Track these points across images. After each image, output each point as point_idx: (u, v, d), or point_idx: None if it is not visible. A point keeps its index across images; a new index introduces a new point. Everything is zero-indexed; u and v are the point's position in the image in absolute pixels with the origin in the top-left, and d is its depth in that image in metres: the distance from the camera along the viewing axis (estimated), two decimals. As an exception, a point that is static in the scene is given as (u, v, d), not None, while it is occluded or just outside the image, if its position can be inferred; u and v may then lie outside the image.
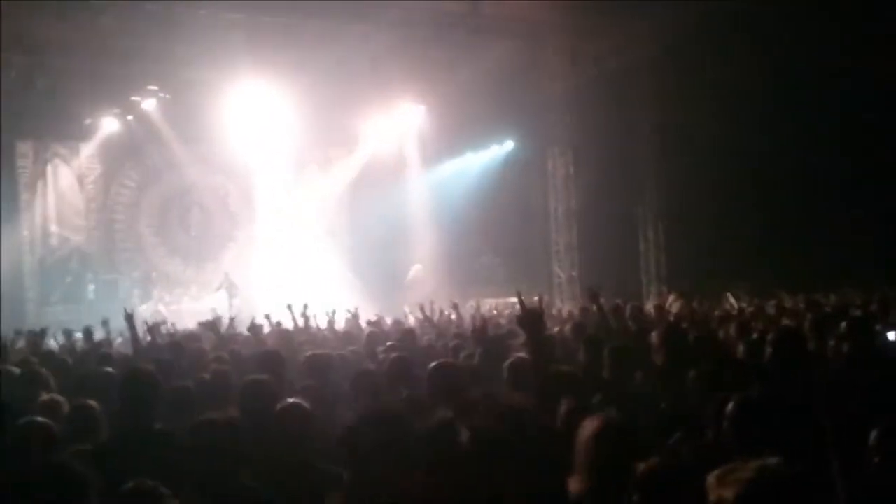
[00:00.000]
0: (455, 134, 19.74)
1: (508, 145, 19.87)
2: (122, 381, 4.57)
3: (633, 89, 16.88)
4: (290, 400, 3.88)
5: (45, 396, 4.98)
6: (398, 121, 19.40)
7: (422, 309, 10.36)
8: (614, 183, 17.31)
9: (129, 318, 7.28)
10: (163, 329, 8.86)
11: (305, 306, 9.66)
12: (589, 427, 2.84)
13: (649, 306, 11.93)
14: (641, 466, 2.55)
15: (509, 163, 19.80)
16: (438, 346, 7.47)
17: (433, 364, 4.47)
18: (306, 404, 3.81)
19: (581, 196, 18.36)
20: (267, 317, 10.11)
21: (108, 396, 4.78)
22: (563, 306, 16.57)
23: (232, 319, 10.48)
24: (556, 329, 8.66)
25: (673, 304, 12.35)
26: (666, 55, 15.64)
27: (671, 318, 9.64)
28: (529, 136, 19.41)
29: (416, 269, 19.83)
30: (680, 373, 4.53)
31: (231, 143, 19.09)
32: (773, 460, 1.98)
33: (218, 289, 18.98)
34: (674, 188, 16.54)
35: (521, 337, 7.17)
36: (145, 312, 16.19)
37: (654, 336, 5.07)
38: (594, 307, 7.13)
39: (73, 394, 5.04)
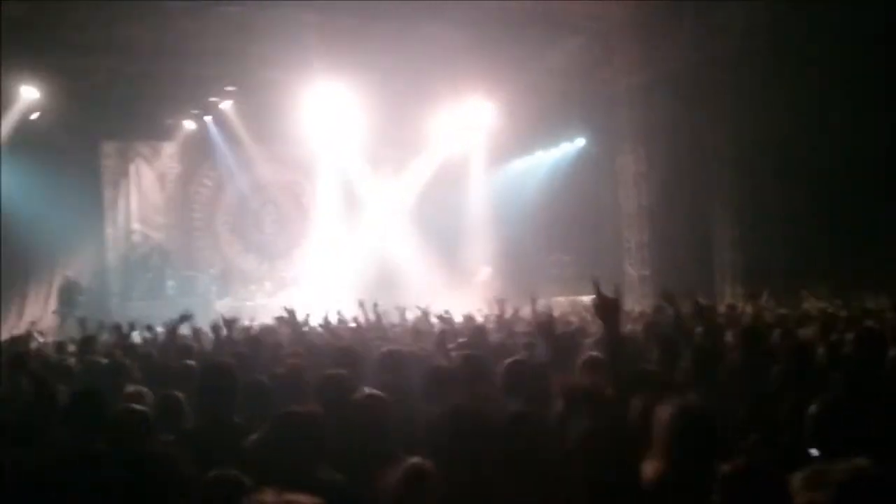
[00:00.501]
0: (525, 132, 19.69)
1: (579, 142, 19.72)
2: (202, 374, 4.73)
3: (707, 85, 16.53)
4: (368, 391, 3.93)
5: (130, 387, 5.17)
6: (468, 119, 19.43)
7: (492, 306, 10.38)
8: (687, 180, 16.99)
9: (212, 315, 7.53)
10: (240, 324, 9.07)
11: (376, 304, 9.80)
12: (667, 409, 2.81)
13: (724, 306, 11.68)
14: (724, 467, 2.51)
15: (580, 160, 19.65)
16: (509, 343, 7.48)
17: (508, 361, 4.49)
18: (385, 395, 3.87)
19: (653, 193, 18.07)
20: (339, 313, 10.28)
21: (189, 388, 4.96)
22: (635, 305, 16.36)
23: (306, 315, 10.67)
24: (627, 328, 8.58)
25: (749, 304, 12.08)
26: (741, 50, 15.27)
27: (748, 318, 9.43)
28: (600, 133, 19.22)
29: (485, 272, 19.84)
30: (757, 374, 4.46)
31: (305, 143, 19.49)
32: (863, 462, 1.93)
33: (290, 286, 19.39)
34: (749, 186, 16.13)
35: (593, 335, 7.16)
36: (222, 308, 16.65)
37: (730, 336, 5.00)
38: (670, 307, 7.02)
39: (156, 385, 5.22)
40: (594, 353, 4.73)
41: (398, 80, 16.88)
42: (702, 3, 15.40)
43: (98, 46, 14.72)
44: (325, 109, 18.00)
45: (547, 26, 15.81)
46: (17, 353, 7.38)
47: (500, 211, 20.04)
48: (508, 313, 10.40)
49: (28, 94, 16.04)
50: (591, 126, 19.18)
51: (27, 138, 16.69)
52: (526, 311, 10.70)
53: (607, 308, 3.63)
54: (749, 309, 11.17)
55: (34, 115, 16.46)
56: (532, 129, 19.59)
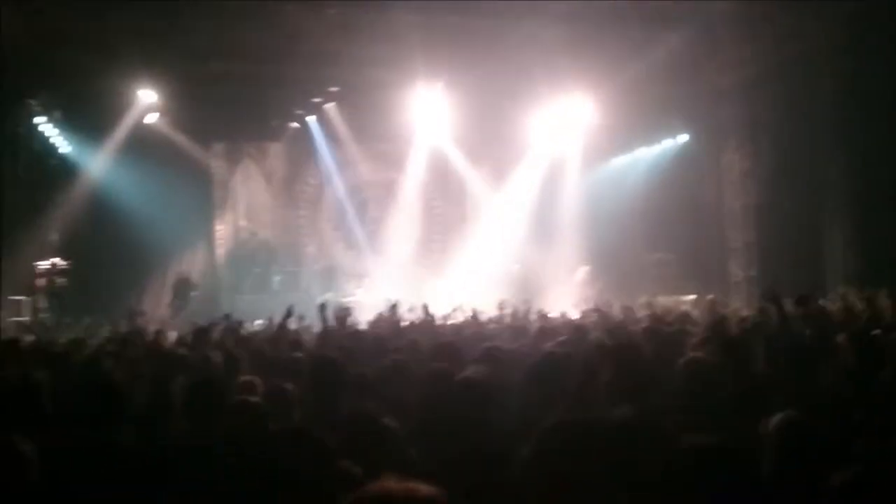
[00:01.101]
0: (625, 129, 19.39)
1: (682, 139, 19.26)
2: (312, 367, 4.91)
3: (817, 77, 15.86)
4: (469, 374, 3.99)
5: (242, 378, 5.40)
6: (567, 117, 19.28)
7: (592, 304, 10.33)
8: (796, 177, 16.34)
9: (322, 309, 7.82)
10: (351, 318, 9.30)
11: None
12: (773, 422, 2.77)
13: (835, 307, 11.21)
14: (836, 476, 2.43)
15: (683, 157, 19.19)
16: (609, 342, 7.42)
17: (613, 361, 4.46)
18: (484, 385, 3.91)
19: (760, 191, 17.49)
20: (438, 308, 10.43)
21: (297, 380, 5.15)
22: (741, 307, 15.90)
23: (407, 310, 10.86)
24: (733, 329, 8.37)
25: (860, 304, 11.54)
26: (853, 39, 14.58)
27: (860, 319, 9.04)
28: (704, 129, 18.73)
29: (583, 271, 19.66)
30: (869, 376, 4.30)
31: (405, 142, 19.83)
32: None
33: (388, 282, 19.71)
34: (862, 181, 15.38)
35: (695, 335, 7.02)
36: (325, 303, 17.10)
37: (841, 338, 4.83)
38: (774, 308, 6.82)
39: (267, 376, 5.43)
40: (696, 355, 4.65)
41: (498, 79, 16.92)
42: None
43: (208, 51, 15.35)
44: (425, 109, 18.25)
45: (649, 22, 15.51)
46: (144, 345, 7.80)
47: (600, 209, 19.79)
48: (610, 312, 10.31)
49: (145, 97, 16.90)
50: (695, 122, 18.71)
51: (144, 140, 17.61)
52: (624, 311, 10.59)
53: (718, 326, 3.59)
54: (864, 309, 10.70)
55: (151, 118, 17.32)
56: (633, 126, 19.27)
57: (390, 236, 21.54)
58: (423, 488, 1.50)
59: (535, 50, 15.83)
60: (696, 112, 18.40)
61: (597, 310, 10.44)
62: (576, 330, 8.16)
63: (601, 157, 20.41)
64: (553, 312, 11.96)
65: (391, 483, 1.49)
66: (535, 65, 16.41)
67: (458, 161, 21.21)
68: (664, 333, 7.11)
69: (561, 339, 7.19)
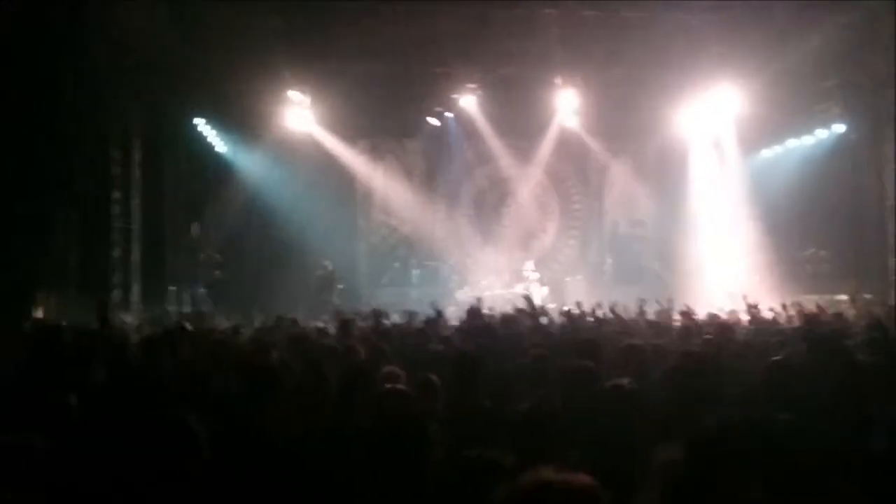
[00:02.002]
0: (776, 118, 18.52)
1: (838, 129, 18.15)
2: (455, 360, 5.01)
3: None
4: (615, 381, 3.97)
5: (386, 368, 5.57)
6: (714, 107, 18.62)
7: (744, 302, 9.99)
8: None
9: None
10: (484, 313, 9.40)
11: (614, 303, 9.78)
12: None
13: None
14: None
15: (838, 148, 18.08)
16: (758, 342, 7.15)
17: (768, 362, 4.31)
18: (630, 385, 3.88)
19: (925, 183, 16.25)
20: (578, 304, 10.35)
21: (439, 372, 5.27)
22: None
23: (543, 307, 10.86)
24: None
25: None
26: None
27: None
28: (862, 117, 17.55)
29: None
30: None
31: (544, 137, 19.78)
32: None
33: (527, 278, 19.74)
34: None
35: (854, 336, 6.66)
36: (462, 297, 17.35)
37: None
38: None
39: (408, 368, 5.58)
40: (857, 357, 4.42)
41: (641, 70, 16.54)
42: None
43: (352, 51, 15.84)
44: (564, 102, 18.12)
45: (804, 8, 14.71)
46: (295, 335, 8.18)
47: (752, 203, 19.01)
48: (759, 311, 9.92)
49: (294, 98, 17.65)
50: (853, 111, 17.58)
51: (292, 139, 18.42)
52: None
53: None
54: None
55: (300, 117, 18.07)
56: (785, 116, 18.39)
57: (528, 232, 21.58)
58: (582, 478, 1.52)
59: (682, 39, 15.37)
60: (856, 100, 17.30)
61: (745, 308, 10.04)
62: (721, 329, 7.92)
63: (752, 149, 19.60)
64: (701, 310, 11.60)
65: (549, 473, 1.52)
66: (682, 54, 15.94)
67: (599, 154, 21.01)
68: (818, 335, 6.78)
69: (706, 337, 7.01)
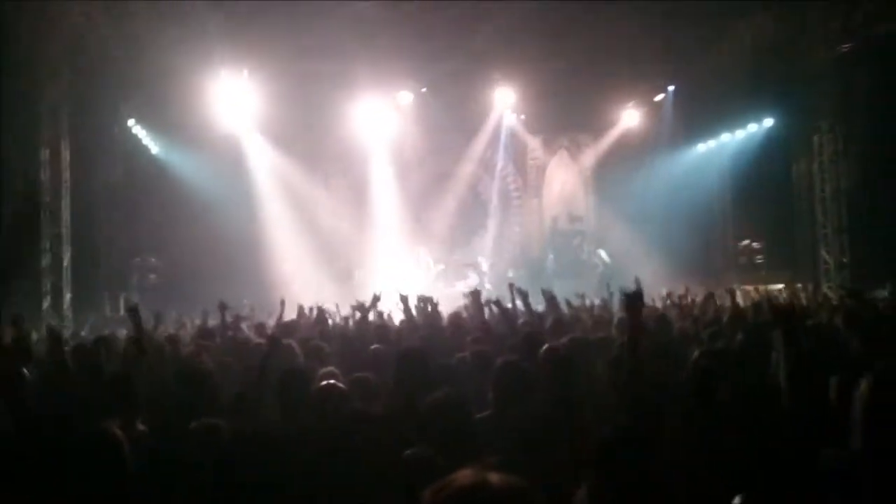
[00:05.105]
0: (709, 113, 18.93)
1: (768, 123, 18.62)
2: (397, 358, 4.96)
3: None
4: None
5: (324, 369, 5.48)
6: (647, 102, 18.94)
7: (671, 295, 10.13)
8: (891, 159, 15.60)
9: (405, 300, 7.89)
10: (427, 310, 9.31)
11: (545, 290, 9.76)
12: (864, 384, 2.67)
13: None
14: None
15: (769, 141, 18.56)
16: (691, 332, 7.27)
17: (697, 353, 4.37)
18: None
19: (852, 175, 16.77)
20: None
21: (380, 371, 5.21)
22: (832, 293, 15.32)
23: (490, 301, 10.81)
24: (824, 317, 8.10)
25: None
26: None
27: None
28: (792, 112, 18.04)
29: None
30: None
31: (483, 133, 19.93)
32: None
33: (469, 274, 19.79)
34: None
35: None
36: (405, 295, 17.25)
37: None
38: (860, 296, 6.54)
39: (350, 368, 5.51)
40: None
41: (578, 65, 16.70)
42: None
43: (293, 49, 15.69)
44: (503, 98, 18.17)
45: (736, 3, 15.04)
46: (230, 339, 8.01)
47: (683, 196, 19.37)
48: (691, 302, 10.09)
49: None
50: (783, 105, 18.05)
51: (228, 140, 18.13)
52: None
53: (784, 318, 3.55)
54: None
55: (237, 118, 17.79)
56: (717, 110, 18.80)
57: (466, 226, 21.63)
58: (496, 479, 1.48)
59: (619, 35, 15.54)
60: (786, 94, 17.76)
61: (675, 301, 10.20)
62: (659, 321, 8.01)
63: (686, 143, 19.96)
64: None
65: (468, 474, 1.48)
66: (620, 49, 16.13)
67: (537, 151, 21.24)
68: (753, 323, 6.92)
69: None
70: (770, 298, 7.77)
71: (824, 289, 16.26)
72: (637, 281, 8.21)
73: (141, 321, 5.52)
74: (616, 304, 10.58)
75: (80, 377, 5.64)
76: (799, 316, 3.73)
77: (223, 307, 8.02)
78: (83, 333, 10.70)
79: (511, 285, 9.12)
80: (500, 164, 21.68)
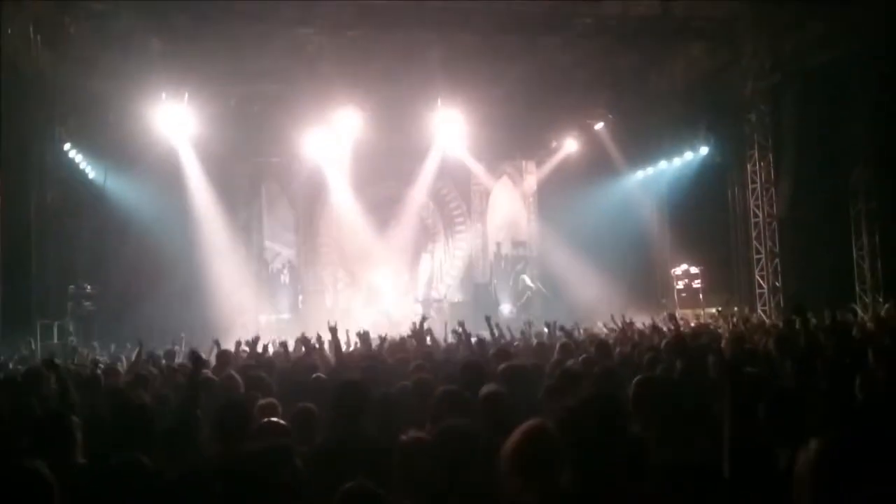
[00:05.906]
0: (646, 141, 19.36)
1: (703, 151, 19.13)
2: (335, 389, 4.90)
3: (841, 85, 15.69)
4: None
5: (263, 400, 5.40)
6: (586, 130, 19.29)
7: (615, 320, 10.28)
8: (821, 185, 16.14)
9: (333, 331, 7.78)
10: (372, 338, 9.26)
11: (488, 318, 9.84)
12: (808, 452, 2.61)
13: (869, 320, 11.07)
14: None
15: (705, 169, 19.04)
16: (634, 358, 7.38)
17: (637, 378, 4.43)
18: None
19: (784, 201, 17.31)
20: (461, 324, 10.40)
21: (319, 402, 5.15)
22: (767, 318, 15.76)
23: (429, 330, 10.82)
24: (759, 341, 8.32)
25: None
26: (881, 46, 14.39)
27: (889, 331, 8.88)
28: (726, 140, 18.57)
29: None
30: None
31: (427, 159, 19.96)
32: None
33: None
34: (889, 189, 15.16)
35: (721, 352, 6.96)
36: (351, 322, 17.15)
37: (871, 353, 4.76)
38: (799, 321, 6.71)
39: (289, 398, 5.44)
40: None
41: (519, 94, 16.91)
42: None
43: (228, 73, 15.64)
44: (446, 124, 18.28)
45: (668, 32, 15.48)
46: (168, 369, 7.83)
47: (623, 222, 19.71)
48: (632, 328, 10.25)
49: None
50: (717, 134, 18.56)
51: (167, 164, 17.85)
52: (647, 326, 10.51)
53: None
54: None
55: (177, 141, 17.54)
56: (653, 139, 19.26)
57: (411, 252, 21.65)
58: None
59: (557, 65, 15.85)
60: (720, 123, 18.27)
61: (619, 325, 10.36)
62: (601, 347, 8.12)
63: (624, 171, 20.32)
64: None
65: None
66: (558, 80, 16.43)
67: (480, 177, 21.43)
68: (692, 347, 7.05)
69: (583, 356, 7.17)
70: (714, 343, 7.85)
71: (758, 311, 16.74)
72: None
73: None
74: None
75: (6, 413, 5.45)
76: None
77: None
78: (11, 366, 10.34)
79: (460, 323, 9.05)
80: (443, 190, 21.79)
